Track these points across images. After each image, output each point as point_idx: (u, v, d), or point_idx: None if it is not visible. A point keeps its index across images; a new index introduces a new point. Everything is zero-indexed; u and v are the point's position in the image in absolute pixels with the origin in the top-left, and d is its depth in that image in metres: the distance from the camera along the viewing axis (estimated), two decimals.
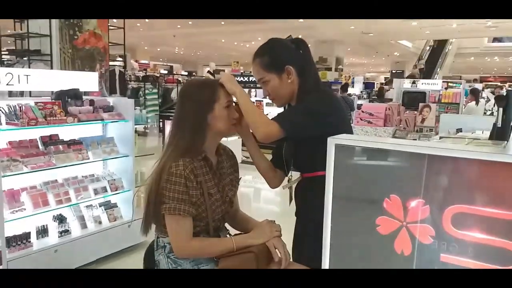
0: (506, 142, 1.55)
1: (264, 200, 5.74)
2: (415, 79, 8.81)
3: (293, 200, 1.75)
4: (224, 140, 1.70)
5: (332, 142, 1.02)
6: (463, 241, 0.90)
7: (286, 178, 1.74)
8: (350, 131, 1.66)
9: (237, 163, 1.76)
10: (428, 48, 17.50)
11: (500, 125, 1.87)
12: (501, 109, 1.89)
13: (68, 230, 3.06)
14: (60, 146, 3.01)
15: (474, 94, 8.32)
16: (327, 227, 1.05)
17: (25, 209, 2.81)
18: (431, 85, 8.06)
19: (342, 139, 1.02)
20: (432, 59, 16.97)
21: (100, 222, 3.29)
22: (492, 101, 8.84)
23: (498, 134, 1.88)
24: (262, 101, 8.56)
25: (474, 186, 0.90)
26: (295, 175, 1.73)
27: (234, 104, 1.61)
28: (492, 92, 9.08)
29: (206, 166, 1.57)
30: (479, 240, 0.88)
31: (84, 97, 3.29)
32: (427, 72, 15.96)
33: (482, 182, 0.89)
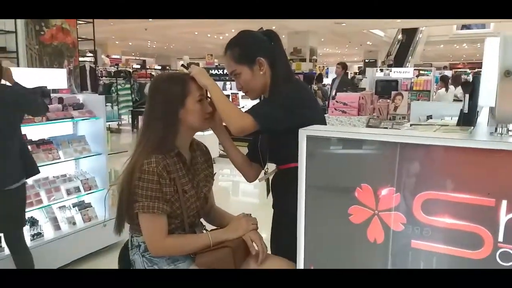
0: (472, 127, 1.58)
1: (243, 193, 5.74)
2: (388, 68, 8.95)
3: (270, 193, 1.75)
4: (200, 134, 1.67)
5: (303, 133, 1.02)
6: (433, 227, 0.91)
7: (263, 171, 1.74)
8: (324, 122, 1.67)
9: (211, 158, 1.74)
10: (397, 41, 17.80)
11: (466, 111, 1.92)
12: (467, 95, 1.94)
13: (40, 233, 2.98)
14: (29, 147, 2.91)
15: (444, 81, 8.53)
16: (300, 217, 1.05)
17: None
18: (403, 73, 8.19)
19: (313, 130, 1.02)
20: (403, 47, 17.30)
21: (74, 223, 3.21)
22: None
23: (465, 120, 1.93)
24: (238, 93, 8.52)
25: (443, 172, 0.91)
26: (271, 167, 1.73)
27: (207, 98, 1.58)
28: (455, 79, 9.31)
29: (179, 162, 1.54)
30: (449, 225, 0.90)
31: (53, 95, 3.18)
32: (399, 61, 16.28)
33: (450, 168, 0.91)
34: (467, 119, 1.88)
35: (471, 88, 1.94)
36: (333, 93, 6.85)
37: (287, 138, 1.47)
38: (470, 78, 11.37)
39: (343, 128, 1.75)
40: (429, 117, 3.04)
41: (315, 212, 1.05)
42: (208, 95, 1.56)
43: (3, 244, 2.74)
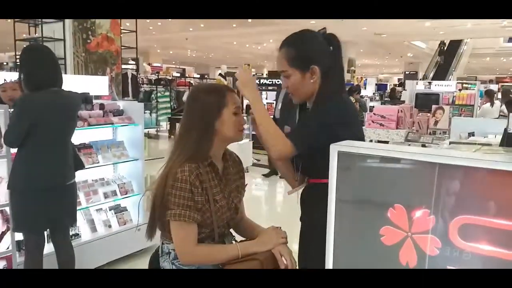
0: None
1: (274, 203, 5.71)
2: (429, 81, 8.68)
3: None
4: (235, 144, 1.66)
5: (334, 149, 1.00)
6: (470, 253, 0.87)
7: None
8: (362, 137, 1.61)
9: (243, 169, 1.74)
10: (435, 63, 17.23)
11: (511, 131, 1.81)
12: (511, 114, 1.83)
13: (78, 234, 3.08)
14: None
15: (489, 96, 8.13)
16: (329, 236, 1.02)
17: None
18: (444, 87, 7.93)
19: (345, 145, 1.00)
20: (447, 59, 16.74)
21: (110, 226, 3.30)
22: None
23: (509, 140, 1.82)
24: (273, 104, 8.53)
25: (483, 196, 0.86)
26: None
27: (243, 111, 1.59)
28: (503, 94, 8.83)
29: (212, 172, 1.55)
30: (487, 252, 0.85)
31: (95, 101, 3.31)
32: (441, 73, 15.76)
33: (491, 192, 0.86)
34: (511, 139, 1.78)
35: None
36: (279, 107, 6.36)
37: (320, 153, 1.44)
38: None
39: (376, 145, 1.70)
40: (471, 134, 2.91)
41: (345, 230, 1.02)
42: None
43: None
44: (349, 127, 1.50)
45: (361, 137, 1.61)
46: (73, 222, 2.61)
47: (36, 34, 6.10)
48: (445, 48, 16.83)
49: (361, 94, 11.04)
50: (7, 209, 2.54)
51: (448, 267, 0.89)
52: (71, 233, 3.01)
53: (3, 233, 2.61)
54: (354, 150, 0.98)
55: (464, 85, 8.45)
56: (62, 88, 2.37)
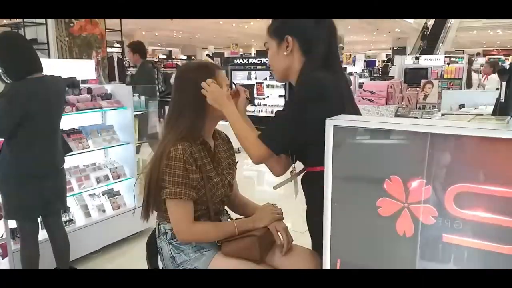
0: (509, 117, 1.51)
1: (267, 183, 5.75)
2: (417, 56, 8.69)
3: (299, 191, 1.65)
4: (226, 124, 1.63)
5: (330, 123, 1.00)
6: (466, 221, 0.88)
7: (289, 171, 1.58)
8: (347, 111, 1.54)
9: (232, 147, 1.74)
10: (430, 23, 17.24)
11: (503, 100, 1.83)
12: (504, 83, 1.84)
13: (72, 220, 3.07)
14: None
15: (494, 67, 7.99)
16: (327, 210, 1.03)
17: None
18: (433, 61, 7.95)
19: (341, 120, 0.99)
20: (434, 34, 16.75)
21: (103, 211, 3.29)
22: None
23: (501, 109, 1.84)
24: (263, 83, 8.48)
25: (477, 164, 0.87)
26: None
27: (231, 88, 1.58)
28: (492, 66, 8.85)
29: (204, 150, 1.55)
30: (483, 219, 0.86)
31: (82, 85, 3.25)
32: (429, 48, 15.78)
33: (485, 160, 0.87)
34: (504, 109, 1.79)
35: (508, 76, 1.85)
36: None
37: (310, 141, 1.35)
38: (507, 65, 10.87)
39: (372, 118, 1.69)
40: (462, 106, 2.94)
41: (342, 204, 1.03)
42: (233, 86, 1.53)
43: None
44: (329, 104, 1.32)
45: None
46: (63, 207, 2.63)
47: (17, 20, 5.92)
48: (428, 32, 16.78)
49: (348, 72, 11.02)
50: None
51: (444, 235, 0.90)
52: (65, 219, 3.01)
53: None
54: (351, 124, 0.97)
55: (452, 59, 8.47)
56: (44, 73, 2.31)
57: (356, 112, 1.51)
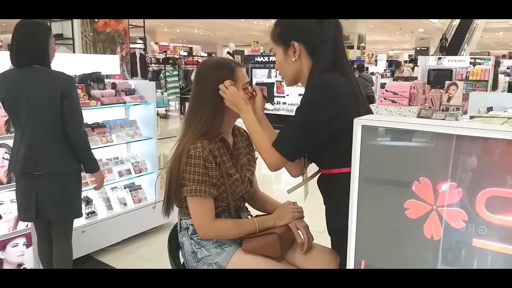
0: None
1: (285, 182, 5.74)
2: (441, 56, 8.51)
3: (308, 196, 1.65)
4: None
5: (358, 123, 0.99)
6: (497, 226, 0.86)
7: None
8: (366, 112, 1.41)
9: (251, 143, 1.75)
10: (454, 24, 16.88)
11: None
12: None
13: (94, 212, 3.14)
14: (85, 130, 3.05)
15: None
16: (352, 210, 1.02)
17: None
18: (457, 62, 7.76)
19: (369, 120, 0.98)
20: (459, 34, 16.39)
21: (125, 204, 3.35)
22: None
23: None
24: (282, 82, 8.45)
25: (510, 168, 0.85)
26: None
27: (251, 86, 1.58)
28: None
29: (223, 147, 1.56)
30: None
31: (106, 80, 3.31)
32: (454, 48, 15.44)
33: None
34: None
35: None
36: None
37: (324, 145, 1.36)
38: None
39: (401, 118, 1.67)
40: (490, 109, 2.86)
41: (368, 205, 1.02)
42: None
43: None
44: (339, 105, 1.32)
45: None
46: (59, 217, 2.25)
47: None
48: (447, 44, 16.39)
49: (370, 71, 10.87)
50: None
51: (474, 240, 0.89)
52: (87, 211, 3.07)
53: None
54: (380, 124, 0.96)
55: (477, 60, 8.27)
56: (49, 67, 2.16)
57: (369, 113, 1.45)
